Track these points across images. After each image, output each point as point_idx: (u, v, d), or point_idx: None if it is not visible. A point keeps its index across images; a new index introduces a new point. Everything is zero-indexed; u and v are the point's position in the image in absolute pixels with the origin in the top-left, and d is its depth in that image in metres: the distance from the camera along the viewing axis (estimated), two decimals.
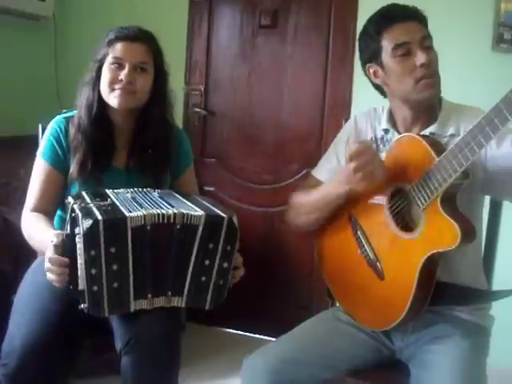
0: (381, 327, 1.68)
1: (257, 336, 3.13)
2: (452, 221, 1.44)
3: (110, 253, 1.47)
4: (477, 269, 1.72)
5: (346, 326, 1.73)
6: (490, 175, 1.55)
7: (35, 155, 1.84)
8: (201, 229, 1.53)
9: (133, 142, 1.87)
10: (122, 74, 1.74)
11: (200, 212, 1.54)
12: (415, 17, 1.61)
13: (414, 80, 1.59)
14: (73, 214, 1.51)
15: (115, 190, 1.67)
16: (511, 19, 2.55)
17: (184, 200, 1.66)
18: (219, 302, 1.61)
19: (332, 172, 1.80)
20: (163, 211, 1.52)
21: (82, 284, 1.48)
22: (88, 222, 1.43)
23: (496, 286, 1.80)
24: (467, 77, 2.63)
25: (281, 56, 3.06)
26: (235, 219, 1.56)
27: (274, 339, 1.78)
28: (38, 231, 1.71)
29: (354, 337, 1.71)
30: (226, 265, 1.57)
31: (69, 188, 1.81)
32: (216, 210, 1.58)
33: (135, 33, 1.78)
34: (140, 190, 1.69)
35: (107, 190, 1.67)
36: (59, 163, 1.80)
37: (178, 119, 3.08)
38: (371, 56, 1.65)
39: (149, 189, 1.71)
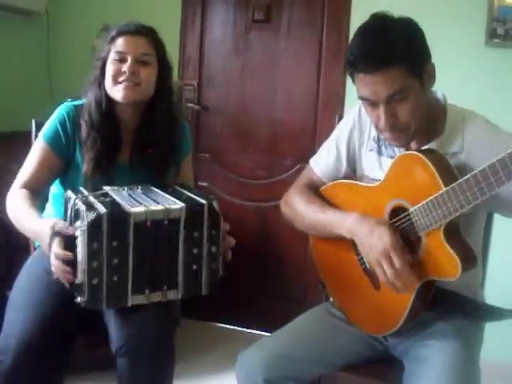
0: (372, 333, 1.69)
1: (251, 331, 3.13)
2: (454, 254, 1.39)
3: (112, 247, 1.48)
4: (474, 281, 1.69)
5: (340, 321, 1.73)
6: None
7: (27, 151, 1.83)
8: (183, 220, 1.55)
9: (136, 136, 1.86)
10: (125, 67, 1.74)
11: (180, 204, 1.56)
12: (386, 65, 1.40)
13: (378, 129, 1.55)
14: (76, 207, 1.51)
15: (113, 187, 1.68)
16: (504, 14, 2.56)
17: (164, 194, 1.67)
18: (215, 285, 1.63)
19: (331, 167, 1.76)
20: (160, 207, 1.54)
21: (81, 277, 1.48)
22: (92, 214, 1.44)
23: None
24: (461, 72, 2.63)
25: (274, 51, 3.06)
26: (215, 203, 1.58)
27: (267, 334, 1.78)
28: (29, 219, 1.66)
29: (348, 332, 1.71)
30: (214, 249, 1.60)
31: (74, 177, 1.81)
32: (196, 197, 1.60)
33: (136, 27, 1.79)
34: (127, 187, 1.70)
35: (105, 187, 1.67)
36: (59, 148, 1.80)
37: None
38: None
39: (132, 185, 1.72)
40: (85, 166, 1.78)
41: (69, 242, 1.51)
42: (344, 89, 2.90)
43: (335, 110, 2.92)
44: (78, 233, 1.47)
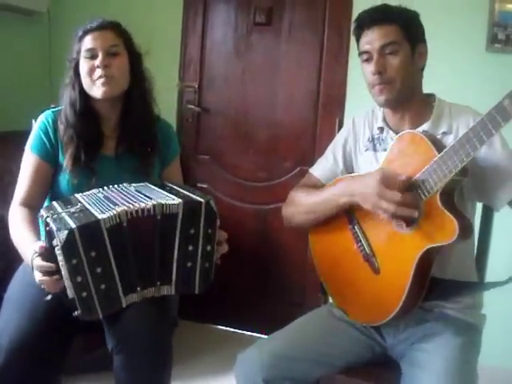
0: (373, 322, 1.69)
1: (250, 333, 3.12)
2: (450, 215, 1.46)
3: (92, 257, 1.47)
4: (469, 266, 1.73)
5: (339, 322, 1.74)
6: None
7: None
8: (180, 216, 1.55)
9: (119, 129, 1.89)
10: (98, 61, 1.77)
11: (177, 200, 1.56)
12: (383, 21, 1.63)
13: (370, 85, 1.66)
14: (47, 228, 1.51)
15: (86, 193, 1.67)
16: (505, 19, 2.56)
17: (161, 190, 1.67)
18: (207, 284, 1.63)
19: (329, 170, 1.82)
20: (138, 205, 1.53)
21: (70, 293, 1.48)
22: (63, 233, 1.43)
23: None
24: (462, 77, 2.64)
25: (275, 53, 3.06)
26: (213, 202, 1.58)
27: (266, 336, 1.78)
28: (23, 241, 1.68)
29: (347, 333, 1.72)
30: (209, 248, 1.59)
31: (58, 180, 1.82)
32: (193, 195, 1.60)
33: (101, 22, 1.83)
34: (116, 187, 1.69)
35: (77, 195, 1.66)
36: (47, 155, 1.82)
37: (172, 116, 3.09)
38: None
39: (125, 184, 1.71)
40: (65, 162, 1.80)
41: (49, 256, 1.51)
42: (345, 91, 2.91)
43: (336, 113, 2.92)
44: (56, 252, 1.46)
